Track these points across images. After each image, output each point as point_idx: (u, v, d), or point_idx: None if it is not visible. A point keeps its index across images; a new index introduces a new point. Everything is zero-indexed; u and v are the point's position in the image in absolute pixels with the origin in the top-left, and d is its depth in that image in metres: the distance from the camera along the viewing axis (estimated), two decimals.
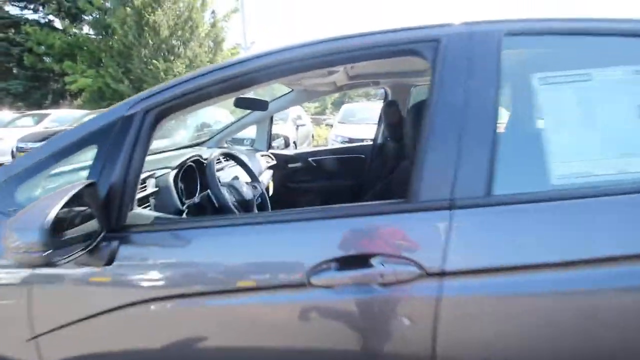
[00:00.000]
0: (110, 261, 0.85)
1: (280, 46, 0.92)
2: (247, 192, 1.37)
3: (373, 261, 0.75)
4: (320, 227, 0.83)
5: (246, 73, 0.91)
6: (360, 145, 2.52)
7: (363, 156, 2.52)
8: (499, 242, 0.75)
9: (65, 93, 15.42)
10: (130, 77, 11.86)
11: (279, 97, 2.33)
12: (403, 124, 1.88)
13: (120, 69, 11.91)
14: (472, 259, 0.75)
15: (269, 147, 2.57)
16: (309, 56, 0.89)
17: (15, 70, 14.18)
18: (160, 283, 0.85)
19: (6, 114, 10.32)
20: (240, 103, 1.64)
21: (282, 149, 2.80)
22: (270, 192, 2.44)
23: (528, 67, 0.89)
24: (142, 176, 1.22)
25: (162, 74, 11.14)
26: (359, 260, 0.77)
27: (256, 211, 1.43)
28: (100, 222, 0.83)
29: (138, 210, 0.95)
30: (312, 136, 9.65)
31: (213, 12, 12.87)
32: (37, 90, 15.62)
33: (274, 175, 2.50)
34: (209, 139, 2.42)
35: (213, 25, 12.77)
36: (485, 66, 0.81)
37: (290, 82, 1.99)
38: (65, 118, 8.95)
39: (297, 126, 7.70)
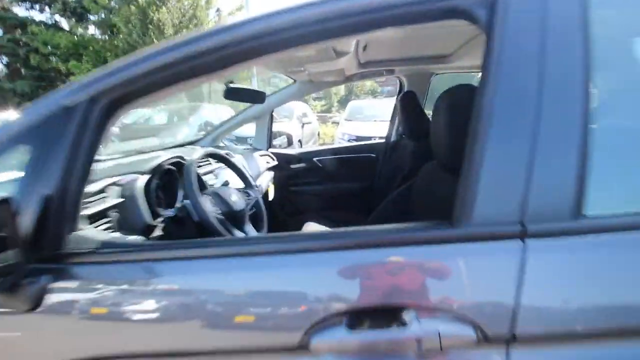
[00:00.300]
0: (36, 304, 0.62)
1: (277, 9, 0.67)
2: (237, 202, 1.12)
3: (405, 316, 0.50)
4: (325, 262, 0.58)
5: (228, 45, 0.66)
6: (371, 144, 2.27)
7: (374, 155, 2.26)
8: (598, 289, 0.50)
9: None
10: None
11: (280, 90, 2.08)
12: (422, 119, 1.61)
13: None
14: (558, 316, 0.49)
15: (270, 145, 2.32)
16: (316, 20, 0.63)
17: (22, 71, 14.24)
18: (104, 339, 0.62)
19: (12, 114, 10.31)
20: (232, 94, 1.40)
21: (285, 147, 2.55)
22: (271, 197, 2.20)
23: (632, 30, 0.62)
24: (102, 184, 0.98)
25: None
26: (383, 315, 0.52)
27: (249, 226, 1.19)
28: (22, 250, 0.60)
29: (86, 230, 0.71)
30: (318, 134, 9.39)
31: (218, 10, 12.71)
32: (43, 90, 15.74)
33: (274, 178, 2.26)
34: (203, 137, 2.19)
35: (218, 23, 12.60)
36: (567, 30, 0.54)
37: (292, 71, 1.74)
38: None
39: (303, 124, 7.45)
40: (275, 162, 2.26)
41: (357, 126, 6.68)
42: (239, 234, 1.09)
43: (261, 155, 2.12)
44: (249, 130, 2.28)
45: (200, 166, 1.34)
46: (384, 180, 2.03)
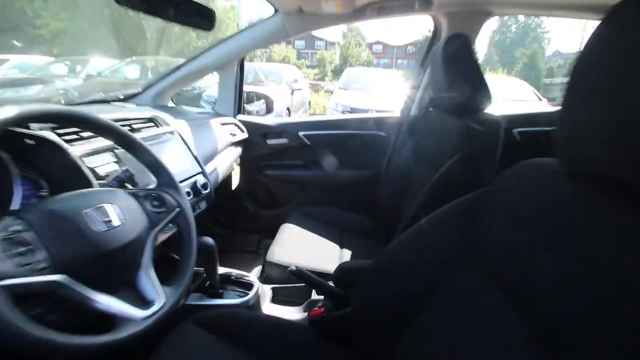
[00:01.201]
0: None
1: None
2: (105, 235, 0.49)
3: None
4: None
5: None
6: (379, 118, 1.64)
7: (383, 134, 1.63)
8: None
9: (40, 39, 13.99)
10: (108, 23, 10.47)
11: (252, 26, 1.39)
12: (479, 83, 0.98)
13: (97, 14, 10.48)
14: None
15: (239, 111, 1.65)
16: None
17: None
18: None
19: None
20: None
21: (262, 114, 1.88)
22: (236, 184, 1.56)
23: None
24: None
25: (144, 22, 9.77)
26: None
27: (146, 277, 0.56)
28: None
29: None
30: (309, 104, 8.59)
31: None
32: (7, 33, 14.14)
33: (243, 157, 1.61)
34: (140, 92, 1.50)
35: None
36: None
37: None
38: (26, 65, 7.77)
39: (293, 90, 6.66)
40: (245, 135, 1.60)
41: (353, 96, 5.95)
42: (110, 305, 0.48)
43: (223, 124, 1.46)
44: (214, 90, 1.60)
45: (70, 140, 0.69)
46: (398, 171, 1.42)
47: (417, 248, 0.66)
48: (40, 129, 0.68)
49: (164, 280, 0.61)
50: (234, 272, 1.10)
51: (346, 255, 1.26)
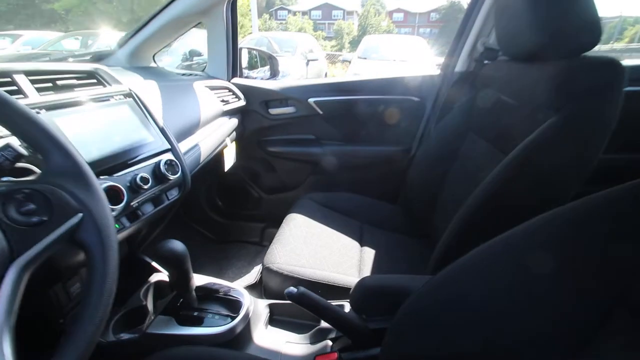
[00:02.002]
0: None
1: None
2: None
3: None
4: None
5: None
6: (413, 78, 1.26)
7: (417, 99, 1.27)
8: None
9: (54, 15, 13.96)
10: None
11: None
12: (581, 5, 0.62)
13: None
14: None
15: (235, 73, 1.33)
16: None
17: None
18: None
19: None
20: None
21: (266, 79, 1.55)
22: (229, 164, 1.26)
23: None
24: None
25: None
26: None
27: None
28: None
29: None
30: (326, 75, 8.10)
31: None
32: (23, 10, 14.17)
33: (239, 129, 1.31)
34: (115, 50, 1.20)
35: None
36: None
37: None
38: (38, 40, 7.70)
39: (308, 61, 6.21)
40: (242, 103, 1.29)
41: (373, 66, 5.45)
42: None
43: (212, 89, 1.15)
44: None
45: None
46: (436, 147, 1.08)
47: (506, 286, 0.35)
48: None
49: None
50: (220, 283, 0.83)
51: (368, 257, 0.96)
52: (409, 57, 5.60)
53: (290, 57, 5.94)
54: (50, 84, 0.61)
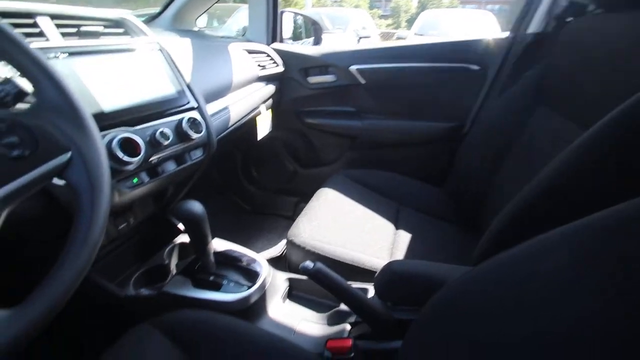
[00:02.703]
0: None
1: None
2: None
3: None
4: None
5: None
6: (474, 42, 1.08)
7: (476, 68, 1.10)
8: None
9: None
10: None
11: None
12: None
13: None
14: None
15: (274, 38, 1.26)
16: None
17: None
18: None
19: None
20: None
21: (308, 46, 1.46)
22: (263, 133, 1.22)
23: None
24: None
25: None
26: None
27: None
28: None
29: None
30: None
31: None
32: None
33: (275, 97, 1.25)
34: (160, 13, 1.20)
35: None
36: None
37: None
38: None
39: (360, 38, 5.94)
40: (280, 69, 1.22)
41: None
42: None
43: (252, 53, 1.10)
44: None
45: None
46: (495, 123, 0.92)
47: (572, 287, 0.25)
48: None
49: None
50: (241, 252, 0.80)
51: (402, 241, 0.86)
52: (473, 34, 5.08)
53: (342, 34, 5.75)
54: (75, 29, 0.59)
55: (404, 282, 0.56)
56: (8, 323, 0.28)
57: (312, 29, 1.44)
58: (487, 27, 5.27)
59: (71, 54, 0.55)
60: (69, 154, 0.35)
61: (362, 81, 1.20)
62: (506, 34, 1.05)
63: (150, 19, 1.23)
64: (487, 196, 0.92)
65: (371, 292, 0.67)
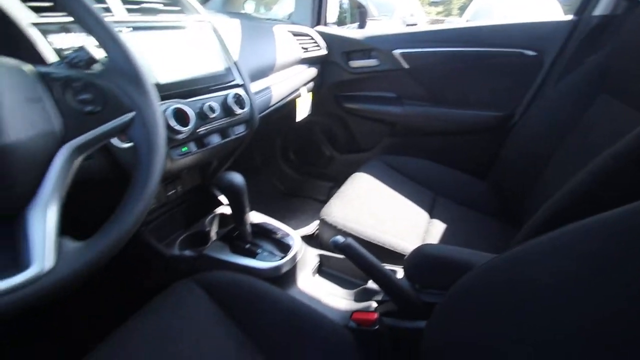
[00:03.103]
0: None
1: None
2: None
3: None
4: None
5: None
6: (533, 24, 1.00)
7: (532, 54, 1.03)
8: None
9: None
10: None
11: None
12: None
13: None
14: None
15: (319, 21, 1.27)
16: None
17: None
18: None
19: None
20: None
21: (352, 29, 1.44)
22: (302, 115, 1.24)
23: None
24: None
25: None
26: None
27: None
28: None
29: None
30: None
31: None
32: None
33: (317, 81, 1.26)
34: None
35: None
36: None
37: None
38: None
39: (406, 25, 5.72)
40: (323, 52, 1.23)
41: None
42: None
43: (296, 35, 1.12)
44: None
45: None
46: (550, 113, 0.86)
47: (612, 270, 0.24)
48: None
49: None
50: (276, 225, 0.84)
51: (436, 230, 0.85)
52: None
53: (387, 21, 5.56)
54: (138, 6, 0.64)
55: (433, 265, 0.56)
56: (82, 251, 0.33)
57: (357, 13, 1.42)
58: (547, 13, 4.82)
59: (134, 28, 0.60)
60: (132, 114, 0.39)
61: (406, 66, 1.17)
62: (569, 17, 0.96)
63: (203, 2, 1.29)
64: (533, 190, 0.87)
65: (400, 275, 0.67)
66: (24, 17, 0.48)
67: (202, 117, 0.66)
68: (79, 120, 0.36)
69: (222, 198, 0.93)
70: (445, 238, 0.83)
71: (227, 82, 0.74)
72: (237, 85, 0.76)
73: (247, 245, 0.76)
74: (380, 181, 1.00)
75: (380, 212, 0.87)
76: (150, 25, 0.63)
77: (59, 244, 0.32)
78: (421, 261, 0.57)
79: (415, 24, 6.20)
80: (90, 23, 0.40)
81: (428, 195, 1.00)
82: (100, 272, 0.35)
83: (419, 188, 1.02)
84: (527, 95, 1.03)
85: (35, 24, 0.48)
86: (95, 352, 0.46)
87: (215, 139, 0.72)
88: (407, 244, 0.75)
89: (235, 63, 0.77)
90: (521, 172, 0.91)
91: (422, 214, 0.91)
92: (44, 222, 0.31)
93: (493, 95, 1.10)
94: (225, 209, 0.90)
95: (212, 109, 0.67)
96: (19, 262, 0.30)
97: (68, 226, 0.34)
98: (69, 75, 0.36)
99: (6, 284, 0.28)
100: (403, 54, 1.15)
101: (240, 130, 0.78)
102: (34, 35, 0.47)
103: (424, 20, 7.32)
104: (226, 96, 0.71)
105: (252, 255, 0.75)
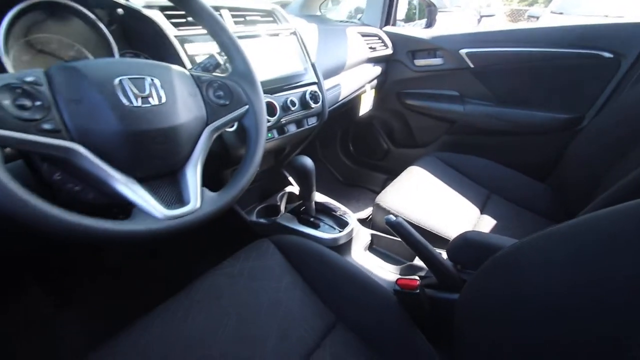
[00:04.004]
0: None
1: None
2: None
3: None
4: None
5: None
6: (610, 26, 0.96)
7: (609, 56, 0.99)
8: None
9: None
10: None
11: None
12: None
13: None
14: None
15: (387, 21, 1.34)
16: None
17: None
18: None
19: None
20: None
21: (423, 28, 1.49)
22: (364, 110, 1.34)
23: None
24: None
25: None
26: None
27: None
28: None
29: None
30: None
31: None
32: None
33: (380, 78, 1.35)
34: (288, 2, 1.41)
35: None
36: None
37: None
38: None
39: (481, 17, 5.39)
40: (389, 51, 1.31)
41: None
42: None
43: (364, 36, 1.22)
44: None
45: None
46: (624, 117, 0.85)
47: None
48: (148, 7, 0.66)
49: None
50: (336, 205, 0.97)
51: (485, 225, 0.90)
52: (630, 13, 4.07)
53: (460, 12, 5.29)
54: (242, 19, 0.81)
55: (474, 249, 0.63)
56: (216, 199, 0.49)
57: (427, 12, 1.46)
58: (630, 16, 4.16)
59: (240, 37, 0.77)
60: (246, 107, 0.55)
61: (471, 65, 1.19)
62: None
63: (283, 5, 1.45)
64: (596, 196, 0.87)
65: (443, 254, 0.75)
66: (171, 31, 0.66)
67: (285, 109, 0.80)
68: (215, 109, 0.51)
69: (290, 179, 1.09)
70: (494, 232, 0.87)
71: (305, 80, 0.88)
72: (313, 83, 0.90)
73: (312, 219, 0.90)
74: (435, 175, 1.06)
75: (432, 203, 0.94)
76: (252, 34, 0.79)
77: (202, 192, 0.48)
78: (463, 243, 0.65)
79: (492, 15, 5.79)
80: (223, 37, 0.56)
81: (482, 192, 1.03)
82: (209, 223, 0.50)
83: (473, 185, 1.06)
84: (600, 97, 1.00)
85: (177, 37, 0.66)
86: (197, 282, 0.62)
87: (292, 128, 0.87)
88: (452, 232, 0.82)
89: (312, 64, 0.91)
90: (589, 176, 0.90)
91: (473, 209, 0.96)
92: (195, 176, 0.48)
93: (561, 96, 1.08)
94: (293, 188, 1.05)
95: (292, 103, 0.81)
96: (182, 200, 0.46)
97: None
98: (211, 78, 0.52)
99: (177, 212, 0.44)
100: (469, 54, 1.18)
101: (312, 121, 0.91)
102: (177, 45, 0.65)
103: (502, 11, 6.76)
104: (304, 92, 0.85)
105: (315, 227, 0.89)
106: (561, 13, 4.60)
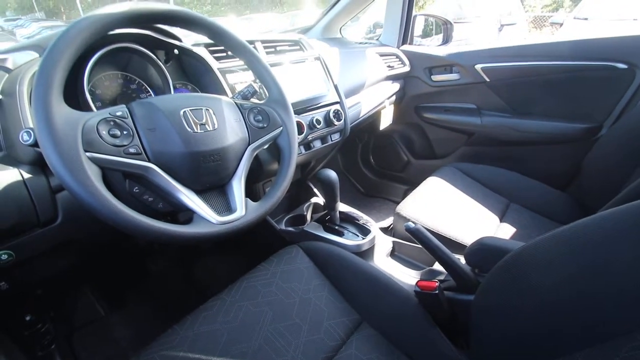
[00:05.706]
0: None
1: None
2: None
3: None
4: None
5: None
6: (624, 39, 0.98)
7: (623, 67, 1.01)
8: None
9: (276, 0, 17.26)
10: None
11: None
12: None
13: None
14: None
15: (405, 40, 1.42)
16: None
17: None
18: None
19: None
20: None
21: (439, 45, 1.56)
22: (383, 127, 1.41)
23: None
24: None
25: None
26: None
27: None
28: None
29: None
30: None
31: None
32: None
33: (401, 95, 1.42)
34: (313, 25, 1.52)
35: None
36: None
37: None
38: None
39: (502, 26, 5.36)
40: (407, 68, 1.38)
41: (594, 31, 4.15)
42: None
43: (382, 55, 1.30)
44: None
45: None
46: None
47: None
48: (195, 45, 0.77)
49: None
50: (359, 214, 1.03)
51: (504, 234, 0.93)
52: None
53: (479, 22, 5.29)
54: (273, 49, 0.91)
55: (490, 253, 0.68)
56: (257, 207, 0.57)
57: (443, 29, 1.53)
58: None
59: (272, 65, 0.87)
60: (281, 128, 0.63)
61: (487, 79, 1.24)
62: None
63: (305, 30, 1.56)
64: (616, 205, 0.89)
65: (461, 259, 0.79)
66: (214, 64, 0.77)
67: (311, 127, 0.89)
68: (255, 132, 0.60)
69: (315, 190, 1.17)
70: (513, 239, 0.90)
71: (329, 100, 0.96)
72: (336, 102, 0.98)
73: (336, 227, 0.97)
74: (454, 185, 1.10)
75: (451, 211, 0.98)
76: (282, 62, 0.89)
77: (245, 202, 0.56)
78: (480, 248, 0.69)
79: (514, 24, 5.74)
80: (259, 67, 0.66)
81: (502, 201, 1.06)
82: (242, 233, 0.58)
83: (492, 194, 1.09)
84: (617, 107, 1.02)
85: (219, 69, 0.77)
86: (236, 284, 0.70)
87: (318, 144, 0.95)
88: (471, 239, 0.86)
89: (335, 85, 1.00)
90: (607, 185, 0.92)
91: (492, 217, 0.99)
92: (240, 188, 0.57)
93: (577, 107, 1.10)
94: (318, 199, 1.13)
95: (318, 122, 0.90)
96: (230, 208, 0.55)
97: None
98: (252, 105, 0.62)
99: (228, 218, 0.53)
100: (484, 68, 1.23)
101: (336, 137, 1.00)
102: (219, 76, 0.76)
103: (523, 18, 6.67)
104: (328, 112, 0.94)
105: (340, 234, 0.95)
106: (586, 19, 4.51)
